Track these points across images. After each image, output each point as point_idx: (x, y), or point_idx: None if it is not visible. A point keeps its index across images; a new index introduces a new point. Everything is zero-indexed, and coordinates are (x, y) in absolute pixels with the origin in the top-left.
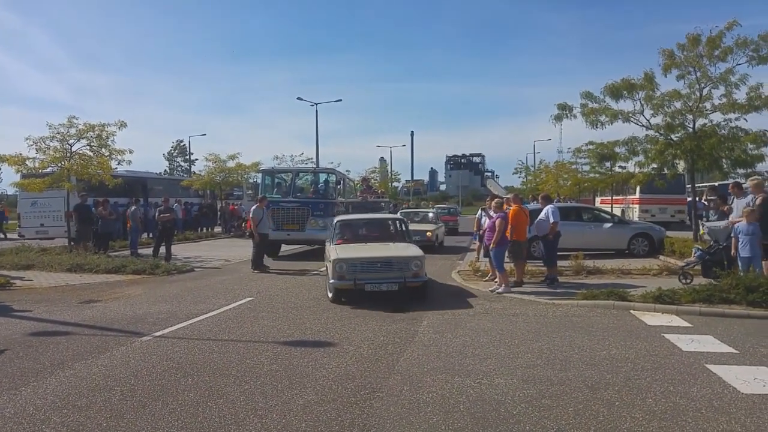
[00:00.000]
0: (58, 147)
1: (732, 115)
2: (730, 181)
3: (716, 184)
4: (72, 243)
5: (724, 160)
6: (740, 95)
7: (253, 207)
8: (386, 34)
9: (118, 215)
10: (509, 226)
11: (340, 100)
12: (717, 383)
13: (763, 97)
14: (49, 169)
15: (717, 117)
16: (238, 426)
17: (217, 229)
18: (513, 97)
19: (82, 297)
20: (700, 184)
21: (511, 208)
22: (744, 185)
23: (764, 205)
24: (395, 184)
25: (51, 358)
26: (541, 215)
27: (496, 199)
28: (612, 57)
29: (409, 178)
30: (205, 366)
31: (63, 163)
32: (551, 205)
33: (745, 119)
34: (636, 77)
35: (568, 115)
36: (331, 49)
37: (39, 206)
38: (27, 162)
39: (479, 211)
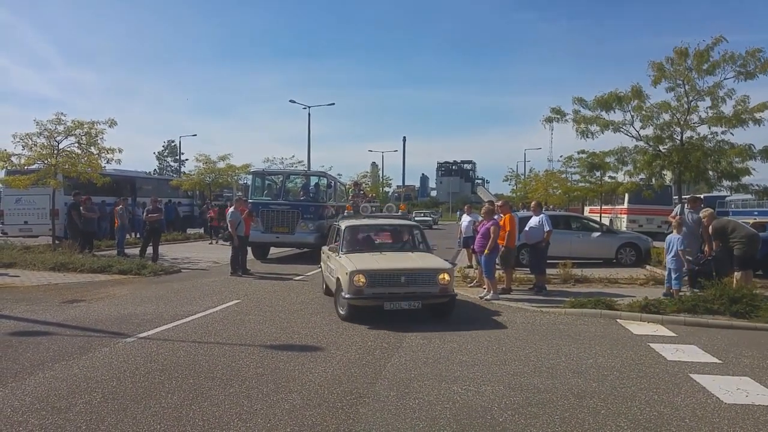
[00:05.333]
0: (45, 144)
1: (718, 129)
2: (715, 193)
3: (701, 196)
4: (67, 239)
5: (710, 172)
6: (727, 109)
7: (231, 210)
8: (380, 40)
9: (103, 214)
10: (505, 233)
11: (333, 104)
12: (701, 393)
13: (748, 110)
14: (35, 166)
15: (704, 130)
16: (222, 429)
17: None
18: (505, 106)
19: (65, 296)
20: (687, 196)
21: (504, 215)
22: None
23: (715, 234)
24: (386, 189)
25: (31, 358)
26: (533, 223)
27: (486, 206)
28: (603, 68)
29: (401, 184)
30: (190, 368)
31: (49, 160)
32: (544, 214)
33: (731, 133)
34: (624, 90)
35: (560, 119)
36: (325, 53)
37: (23, 203)
38: (12, 158)
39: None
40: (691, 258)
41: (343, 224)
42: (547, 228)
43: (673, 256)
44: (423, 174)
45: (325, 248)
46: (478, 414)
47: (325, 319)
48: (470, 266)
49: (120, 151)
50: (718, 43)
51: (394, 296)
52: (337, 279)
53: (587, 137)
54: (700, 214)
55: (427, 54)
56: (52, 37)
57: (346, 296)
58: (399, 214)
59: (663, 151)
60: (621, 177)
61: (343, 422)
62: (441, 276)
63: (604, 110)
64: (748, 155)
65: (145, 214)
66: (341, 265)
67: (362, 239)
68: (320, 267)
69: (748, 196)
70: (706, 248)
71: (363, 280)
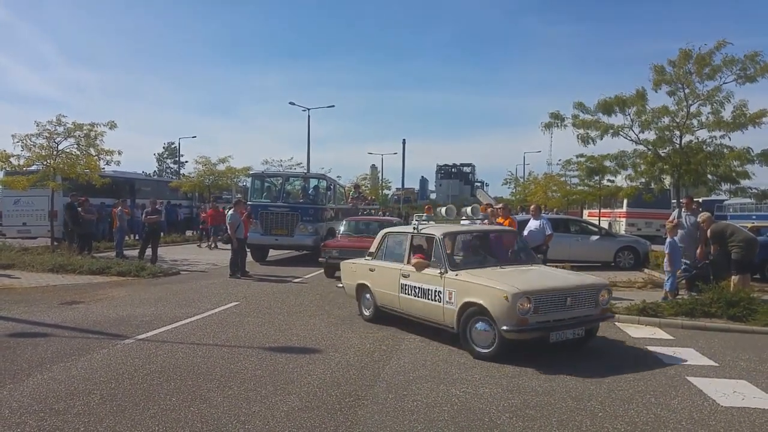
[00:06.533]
0: (45, 145)
1: (717, 133)
2: (713, 197)
3: (700, 199)
4: (64, 241)
5: (709, 176)
6: (726, 113)
7: (230, 212)
8: (381, 42)
9: (101, 215)
10: None
11: (333, 106)
12: (697, 396)
13: (748, 115)
14: (33, 167)
15: (703, 134)
16: (220, 431)
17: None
18: (505, 108)
19: (63, 298)
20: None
21: (505, 218)
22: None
23: (714, 237)
24: (386, 191)
25: (29, 359)
26: (533, 226)
27: (490, 209)
28: (605, 72)
29: (400, 186)
30: (189, 370)
31: (48, 161)
32: (544, 217)
33: (729, 137)
34: (628, 94)
35: (559, 124)
36: (325, 54)
37: (22, 205)
38: (11, 159)
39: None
40: (689, 261)
41: (437, 231)
42: (548, 231)
43: (666, 260)
44: (422, 176)
45: (366, 262)
46: (476, 416)
47: (324, 321)
48: None
49: (119, 153)
50: (722, 46)
51: (560, 323)
52: (464, 306)
53: (587, 144)
54: (698, 219)
55: (428, 56)
56: (52, 36)
57: (505, 328)
58: (481, 216)
59: (662, 154)
60: (620, 181)
61: (342, 424)
62: (602, 294)
63: (605, 113)
64: (746, 159)
65: (144, 215)
66: (479, 287)
67: (468, 251)
68: (341, 283)
69: (747, 200)
70: (699, 251)
71: (528, 305)
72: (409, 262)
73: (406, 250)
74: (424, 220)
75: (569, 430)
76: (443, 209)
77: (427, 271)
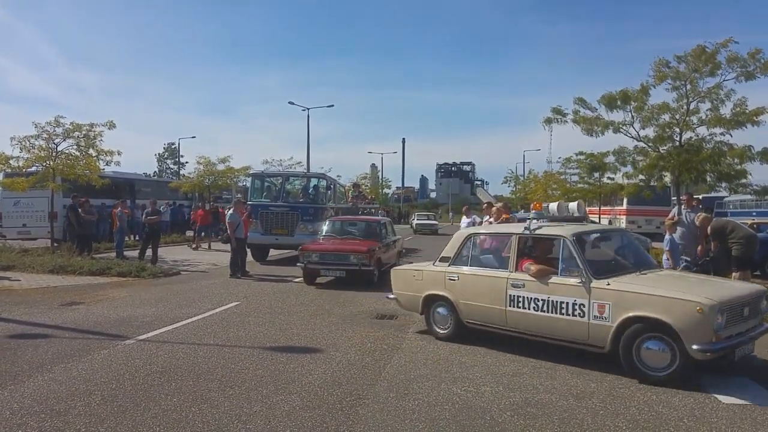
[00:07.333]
0: (44, 146)
1: (717, 130)
2: (714, 194)
3: (699, 196)
4: (65, 242)
5: (709, 174)
6: (726, 110)
7: (230, 212)
8: (381, 42)
9: (102, 216)
10: None
11: (332, 106)
12: (699, 393)
13: (747, 112)
14: (33, 169)
15: (703, 131)
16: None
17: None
18: (505, 108)
19: (64, 299)
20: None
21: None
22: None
23: (714, 234)
24: (386, 190)
25: (29, 361)
26: None
27: (493, 207)
28: (605, 72)
29: (400, 185)
30: (190, 370)
31: (48, 162)
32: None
33: (730, 135)
34: (633, 89)
35: (560, 120)
36: (325, 54)
37: (22, 206)
38: (11, 161)
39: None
40: (689, 258)
41: (565, 232)
42: None
43: (666, 259)
44: (422, 175)
45: (441, 268)
46: (477, 414)
47: (325, 321)
48: None
49: (119, 153)
50: (727, 45)
51: (741, 338)
52: (625, 321)
53: (591, 134)
54: (696, 222)
55: (428, 56)
56: (52, 36)
57: (696, 347)
58: (580, 214)
59: (663, 152)
60: (619, 178)
61: (343, 424)
62: (763, 302)
63: (609, 108)
64: (747, 157)
65: (144, 216)
66: (653, 298)
67: (600, 255)
68: (392, 294)
69: (747, 197)
70: (699, 248)
71: (722, 318)
72: (517, 269)
73: (513, 254)
74: (533, 218)
75: (571, 427)
76: (553, 205)
77: (556, 279)
